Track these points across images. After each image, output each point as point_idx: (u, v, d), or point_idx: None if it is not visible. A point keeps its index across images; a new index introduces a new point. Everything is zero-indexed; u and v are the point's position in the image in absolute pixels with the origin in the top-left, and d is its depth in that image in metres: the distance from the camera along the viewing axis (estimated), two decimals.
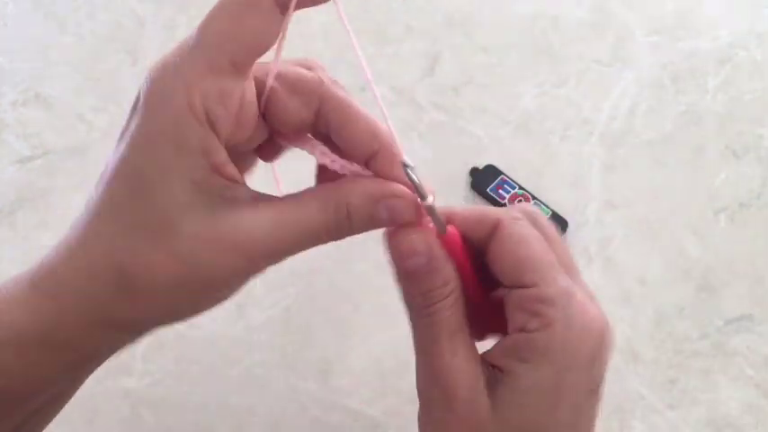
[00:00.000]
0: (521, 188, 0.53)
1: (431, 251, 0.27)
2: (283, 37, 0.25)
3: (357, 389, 0.45)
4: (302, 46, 0.59)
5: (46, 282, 0.25)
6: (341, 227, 0.26)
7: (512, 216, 0.28)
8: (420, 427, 0.29)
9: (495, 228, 0.27)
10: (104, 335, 0.25)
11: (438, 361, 0.27)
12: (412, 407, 0.45)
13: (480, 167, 0.53)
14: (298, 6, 0.24)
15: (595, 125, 0.56)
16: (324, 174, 0.29)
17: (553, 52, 0.60)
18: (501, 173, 0.53)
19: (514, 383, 0.26)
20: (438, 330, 0.27)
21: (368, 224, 0.27)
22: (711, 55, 0.60)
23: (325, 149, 0.28)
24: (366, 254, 0.47)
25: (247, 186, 0.26)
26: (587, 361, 0.26)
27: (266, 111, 0.27)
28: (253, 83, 0.26)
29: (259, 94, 0.26)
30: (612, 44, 0.60)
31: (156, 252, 0.24)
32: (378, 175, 0.27)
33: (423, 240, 0.27)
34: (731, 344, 0.47)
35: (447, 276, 0.27)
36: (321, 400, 0.45)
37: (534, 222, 0.28)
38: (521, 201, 0.52)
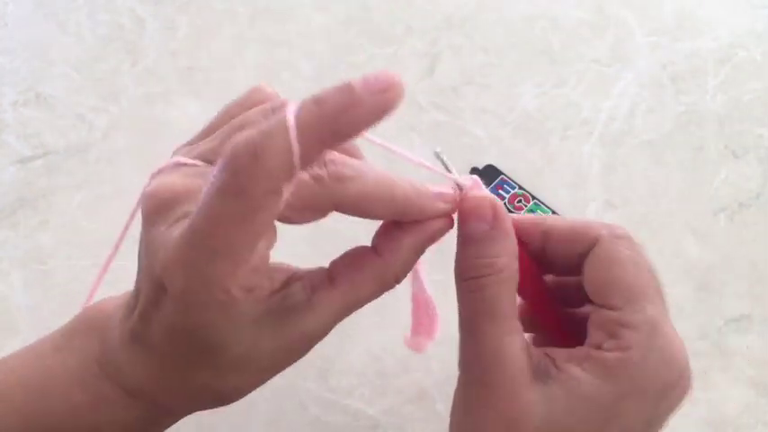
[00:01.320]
0: (521, 188, 0.53)
1: (495, 221, 0.27)
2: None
3: (357, 389, 0.45)
4: (302, 46, 0.59)
5: (139, 392, 0.27)
6: (396, 284, 0.28)
7: (614, 234, 0.28)
8: (455, 404, 0.28)
9: (593, 243, 0.28)
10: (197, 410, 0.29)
11: (483, 342, 0.27)
12: (412, 407, 0.45)
13: (480, 167, 0.53)
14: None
15: (595, 125, 0.56)
16: None
17: (553, 52, 0.60)
18: (501, 173, 0.53)
19: (573, 386, 0.25)
20: (487, 308, 0.27)
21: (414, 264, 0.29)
22: (711, 55, 0.60)
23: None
24: None
25: (298, 281, 0.27)
26: (657, 394, 0.26)
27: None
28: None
29: None
30: (612, 44, 0.60)
31: (244, 377, 0.27)
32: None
33: (490, 208, 0.27)
34: (731, 344, 0.47)
35: (504, 249, 0.27)
36: (321, 399, 0.45)
37: (634, 246, 0.28)
38: (521, 201, 0.52)
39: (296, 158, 0.21)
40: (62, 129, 0.55)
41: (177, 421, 0.29)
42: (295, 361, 0.28)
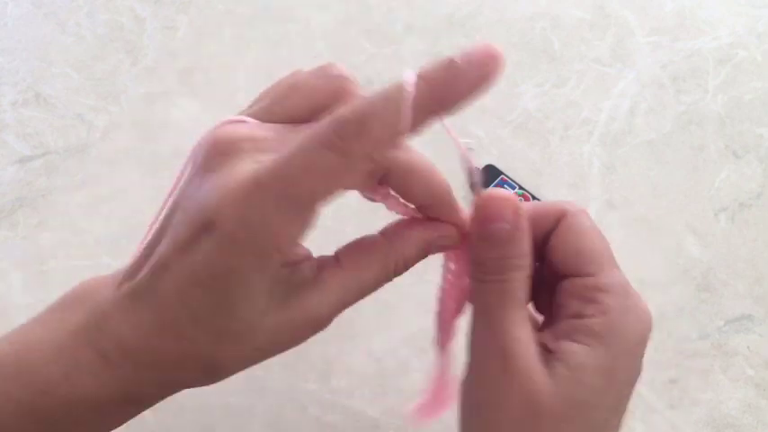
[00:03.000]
0: (521, 188, 0.53)
1: (517, 221, 0.27)
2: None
3: (357, 389, 0.45)
4: (302, 45, 0.59)
5: (120, 359, 0.26)
6: (397, 274, 0.28)
7: (575, 209, 0.29)
8: (466, 391, 0.29)
9: (559, 219, 0.29)
10: (173, 392, 0.28)
11: (501, 329, 0.27)
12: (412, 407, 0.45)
13: (480, 167, 0.53)
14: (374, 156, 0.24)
15: (595, 125, 0.56)
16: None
17: (553, 52, 0.60)
18: (501, 173, 0.53)
19: (573, 361, 0.27)
20: (507, 298, 0.27)
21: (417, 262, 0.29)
22: (711, 55, 0.60)
23: (396, 199, 0.29)
24: None
25: (310, 258, 0.28)
26: (639, 348, 0.28)
27: None
28: None
29: None
30: (612, 44, 0.60)
31: (240, 349, 0.26)
32: (431, 217, 0.29)
33: (513, 208, 0.28)
34: (731, 344, 0.47)
35: (526, 249, 0.28)
36: (321, 400, 0.45)
37: (590, 219, 0.29)
38: (520, 200, 0.52)
39: (403, 128, 0.23)
40: (62, 129, 0.55)
41: (149, 406, 0.28)
42: (292, 345, 0.27)
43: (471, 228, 0.28)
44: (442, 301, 0.30)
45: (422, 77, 0.23)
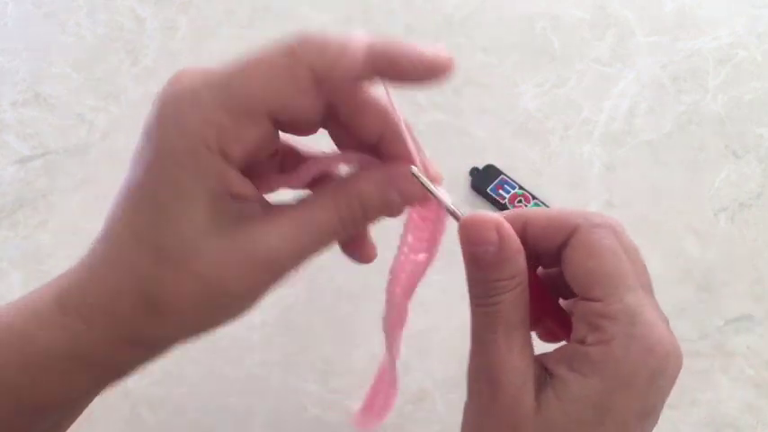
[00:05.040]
0: (521, 188, 0.53)
1: (502, 241, 0.26)
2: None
3: (357, 389, 0.45)
4: None
5: (74, 303, 0.25)
6: (356, 218, 0.27)
7: (591, 223, 0.27)
8: (465, 413, 0.28)
9: (572, 233, 0.27)
10: (132, 352, 0.26)
11: (491, 352, 0.26)
12: (412, 407, 0.45)
13: (480, 167, 0.53)
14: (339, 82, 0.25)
15: (595, 125, 0.56)
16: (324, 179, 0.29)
17: (553, 52, 0.60)
18: (501, 173, 0.53)
19: (562, 389, 0.25)
20: (497, 322, 0.26)
21: (382, 211, 0.27)
22: (711, 55, 0.60)
23: (342, 155, 0.28)
24: None
25: (262, 199, 0.27)
26: (644, 383, 0.25)
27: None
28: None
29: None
30: (612, 44, 0.60)
31: (181, 275, 0.24)
32: (388, 158, 0.27)
33: (494, 229, 0.26)
34: (731, 344, 0.47)
35: (515, 269, 0.26)
36: (321, 400, 0.45)
37: (614, 233, 0.27)
38: (521, 201, 0.52)
39: (352, 62, 0.24)
40: (62, 129, 0.55)
41: (113, 378, 0.27)
42: (245, 285, 0.25)
43: (460, 245, 0.27)
44: (394, 276, 0.29)
45: (372, 46, 0.24)
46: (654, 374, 0.25)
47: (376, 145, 0.27)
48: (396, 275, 0.28)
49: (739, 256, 0.50)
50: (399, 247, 0.28)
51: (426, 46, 0.24)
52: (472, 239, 0.26)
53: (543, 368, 0.27)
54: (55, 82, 0.57)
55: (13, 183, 0.53)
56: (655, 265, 0.52)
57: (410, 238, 0.28)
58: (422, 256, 0.29)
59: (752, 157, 0.55)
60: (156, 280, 0.25)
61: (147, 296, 0.25)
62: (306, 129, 0.27)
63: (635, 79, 0.58)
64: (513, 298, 0.26)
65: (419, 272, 0.29)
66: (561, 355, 0.27)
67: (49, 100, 0.56)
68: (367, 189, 0.27)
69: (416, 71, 0.24)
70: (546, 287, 0.29)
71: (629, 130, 0.56)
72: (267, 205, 0.27)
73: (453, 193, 0.52)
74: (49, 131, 0.55)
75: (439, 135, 0.55)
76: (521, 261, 0.27)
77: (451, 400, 0.45)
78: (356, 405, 0.45)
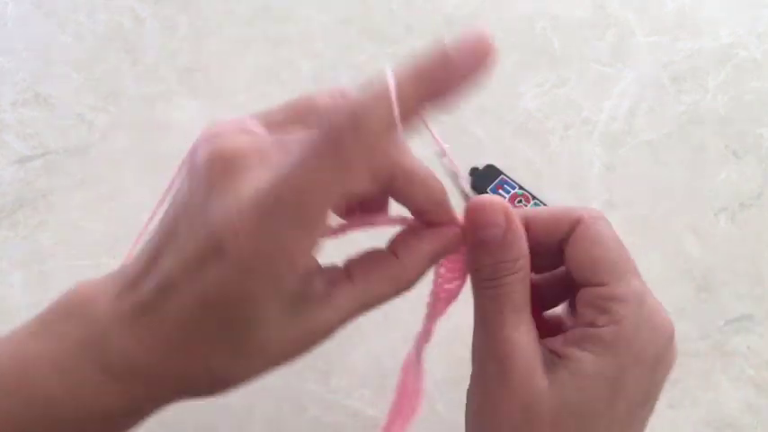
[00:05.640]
0: (521, 188, 0.53)
1: (509, 224, 0.27)
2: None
3: (357, 389, 0.45)
4: (302, 46, 0.59)
5: (127, 375, 0.25)
6: (406, 291, 0.28)
7: (592, 215, 0.28)
8: (470, 397, 0.29)
9: (573, 225, 0.28)
10: (179, 401, 0.27)
11: (499, 333, 0.27)
12: None
13: (480, 167, 0.53)
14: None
15: (595, 125, 0.56)
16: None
17: (553, 52, 0.60)
18: (501, 173, 0.53)
19: (576, 367, 0.26)
20: (503, 303, 0.27)
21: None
22: (711, 55, 0.60)
23: (388, 218, 0.29)
24: None
25: (321, 271, 0.27)
26: (652, 362, 0.27)
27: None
28: None
29: None
30: (612, 44, 0.60)
31: (253, 364, 0.26)
32: (430, 223, 0.28)
33: (502, 212, 0.27)
34: (731, 344, 0.47)
35: (520, 251, 0.27)
36: (321, 400, 0.45)
37: (609, 225, 0.29)
38: (521, 201, 0.52)
39: (396, 117, 0.22)
40: (62, 129, 0.55)
41: (156, 412, 0.27)
42: (299, 356, 0.27)
43: (465, 234, 0.28)
44: (432, 306, 0.30)
45: (411, 69, 0.23)
46: (659, 354, 0.27)
47: (421, 211, 0.28)
48: (434, 308, 0.30)
49: (739, 256, 0.50)
50: (434, 279, 0.30)
51: (456, 39, 0.23)
52: (480, 222, 0.27)
53: (549, 351, 0.27)
54: (55, 82, 0.57)
55: (12, 183, 0.53)
56: (655, 265, 0.52)
57: (443, 270, 0.30)
58: (455, 284, 0.30)
59: (752, 157, 0.55)
60: (228, 368, 0.25)
61: (215, 379, 0.26)
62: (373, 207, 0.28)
63: (635, 79, 0.58)
64: (518, 280, 0.27)
65: (452, 298, 0.30)
66: (568, 339, 0.27)
67: (49, 100, 0.56)
68: (423, 267, 0.27)
69: (461, 63, 0.23)
70: (535, 295, 0.30)
71: (629, 130, 0.56)
72: (328, 280, 0.27)
73: (453, 192, 0.52)
74: (48, 131, 0.55)
75: (439, 135, 0.55)
76: (524, 246, 0.28)
77: (451, 400, 0.45)
78: (356, 405, 0.45)
